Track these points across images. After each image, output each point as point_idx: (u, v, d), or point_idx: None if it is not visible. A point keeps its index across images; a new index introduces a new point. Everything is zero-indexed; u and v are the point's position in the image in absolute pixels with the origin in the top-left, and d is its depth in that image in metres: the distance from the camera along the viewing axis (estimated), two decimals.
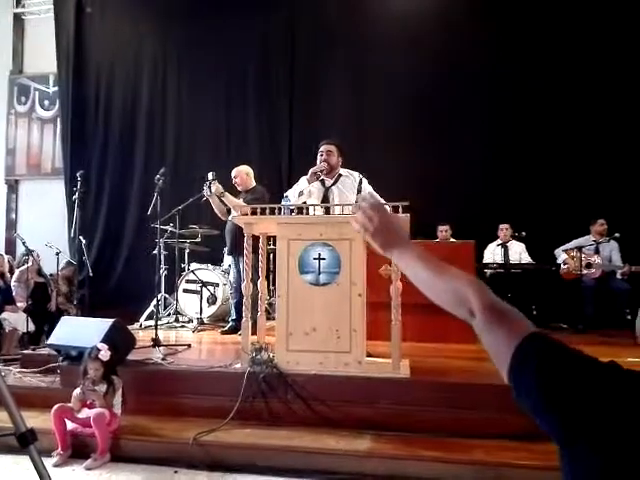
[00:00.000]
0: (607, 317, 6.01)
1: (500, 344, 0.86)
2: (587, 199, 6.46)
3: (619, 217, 6.23)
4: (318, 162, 4.30)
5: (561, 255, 6.33)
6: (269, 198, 5.18)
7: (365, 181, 4.34)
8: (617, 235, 6.06)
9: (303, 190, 4.22)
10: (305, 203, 4.15)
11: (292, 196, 4.26)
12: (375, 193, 4.24)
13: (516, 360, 0.82)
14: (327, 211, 4.02)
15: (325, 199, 4.25)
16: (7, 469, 3.03)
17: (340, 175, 4.32)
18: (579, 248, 6.10)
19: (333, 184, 4.29)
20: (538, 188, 6.70)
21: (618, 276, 6.11)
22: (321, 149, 4.32)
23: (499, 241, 6.58)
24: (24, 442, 1.55)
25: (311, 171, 4.22)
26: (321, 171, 4.20)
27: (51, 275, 6.58)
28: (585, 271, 6.06)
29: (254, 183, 5.55)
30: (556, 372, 0.76)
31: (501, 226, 6.52)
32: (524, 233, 6.34)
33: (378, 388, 3.41)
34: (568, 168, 6.66)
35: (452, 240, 6.31)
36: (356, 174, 4.35)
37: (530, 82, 6.90)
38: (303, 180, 4.27)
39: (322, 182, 4.31)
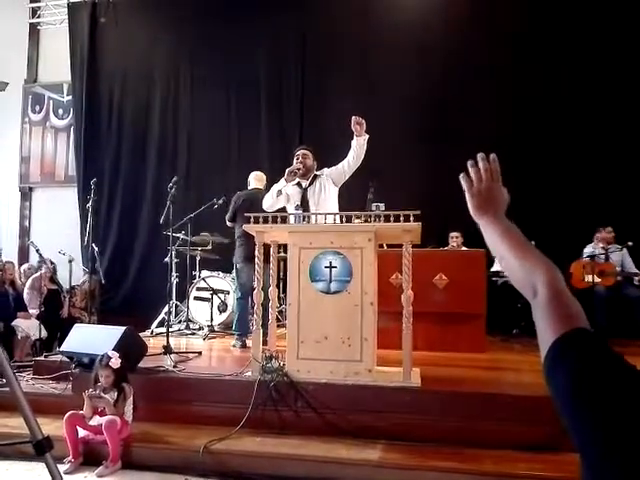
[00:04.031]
0: (620, 326, 5.94)
1: (547, 328, 0.87)
2: (596, 207, 6.41)
3: (628, 224, 6.18)
4: (294, 164, 4.61)
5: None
6: (242, 200, 5.26)
7: (326, 168, 4.66)
8: (630, 244, 6.00)
9: (281, 189, 4.51)
10: (301, 208, 4.25)
11: (270, 196, 4.54)
12: (334, 168, 4.55)
13: (554, 349, 0.83)
14: (307, 219, 4.04)
15: (303, 200, 4.50)
16: (20, 476, 3.04)
17: (315, 176, 4.61)
18: (591, 257, 6.05)
19: (309, 185, 4.58)
20: (547, 196, 6.66)
21: (636, 282, 6.06)
22: (297, 153, 4.68)
23: None
24: (40, 450, 1.56)
25: (287, 170, 4.51)
26: (298, 169, 4.51)
27: (72, 288, 6.63)
28: (598, 279, 6.01)
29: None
30: (590, 372, 0.77)
31: None
32: (533, 242, 6.27)
33: (389, 397, 3.39)
34: (577, 176, 6.62)
35: (463, 248, 6.28)
36: (324, 168, 4.68)
37: (538, 88, 6.88)
38: (281, 180, 4.54)
39: (299, 185, 4.60)
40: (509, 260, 1.06)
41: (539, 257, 1.02)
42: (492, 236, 1.12)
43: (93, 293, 6.07)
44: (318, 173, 4.63)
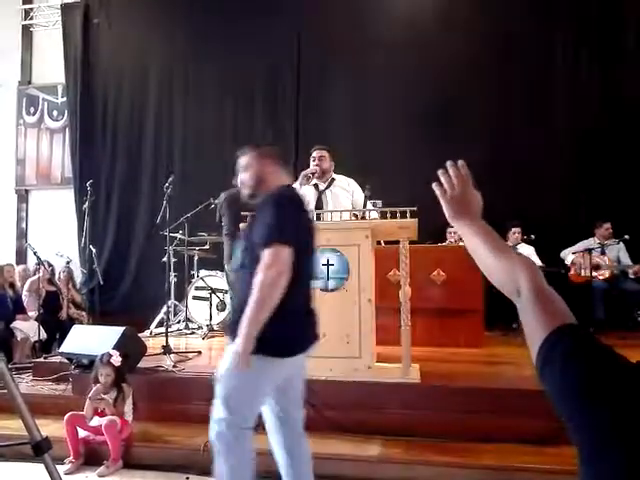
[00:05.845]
0: (618, 319, 5.96)
1: (537, 326, 0.88)
2: (595, 202, 6.43)
3: (627, 219, 6.19)
4: (311, 167, 4.47)
5: (569, 256, 6.30)
6: (223, 200, 5.41)
7: (354, 182, 4.52)
8: (627, 237, 6.01)
9: None
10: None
11: None
12: (362, 194, 4.37)
13: (546, 346, 0.83)
14: (318, 217, 4.01)
15: (319, 202, 4.40)
16: (20, 477, 3.05)
17: (333, 179, 4.48)
18: (588, 250, 6.06)
19: (326, 188, 4.46)
20: (547, 190, 6.67)
21: (631, 276, 6.08)
22: (313, 154, 4.52)
23: (509, 244, 6.54)
24: (39, 451, 1.56)
25: (302, 174, 4.38)
26: (312, 174, 4.37)
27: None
28: (594, 273, 6.02)
29: None
30: (582, 367, 0.77)
31: (513, 229, 6.49)
32: (533, 236, 6.30)
33: (388, 393, 3.40)
34: (576, 170, 6.63)
35: (461, 243, 6.28)
36: (350, 179, 4.52)
37: (535, 82, 6.88)
38: (295, 184, 4.38)
39: (316, 186, 4.48)
40: (490, 261, 1.07)
41: (519, 256, 1.04)
42: (472, 239, 1.15)
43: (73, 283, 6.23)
44: (338, 177, 4.48)
